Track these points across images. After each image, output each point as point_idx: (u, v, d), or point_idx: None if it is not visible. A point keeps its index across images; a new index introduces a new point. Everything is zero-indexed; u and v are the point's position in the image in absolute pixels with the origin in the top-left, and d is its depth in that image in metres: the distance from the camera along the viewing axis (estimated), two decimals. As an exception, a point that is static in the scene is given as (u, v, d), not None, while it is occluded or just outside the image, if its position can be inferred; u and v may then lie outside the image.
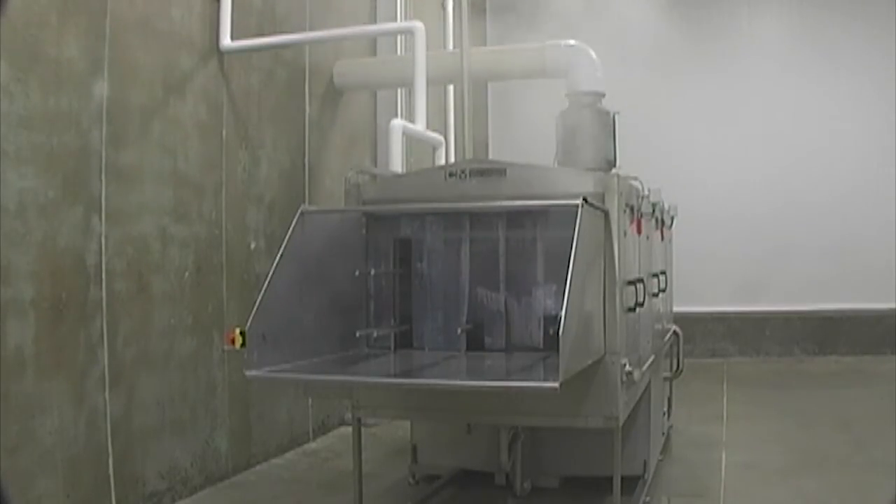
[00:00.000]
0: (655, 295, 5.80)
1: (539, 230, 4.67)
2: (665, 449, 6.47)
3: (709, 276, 11.15)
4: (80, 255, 4.77)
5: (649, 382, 5.48)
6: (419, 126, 6.66)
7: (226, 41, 6.10)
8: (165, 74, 5.55)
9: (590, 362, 4.18)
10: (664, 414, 6.50)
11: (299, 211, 4.44)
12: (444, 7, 9.18)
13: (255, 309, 4.04)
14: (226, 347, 5.48)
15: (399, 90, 8.48)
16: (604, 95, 6.77)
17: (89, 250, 4.84)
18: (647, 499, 5.29)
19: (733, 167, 11.64)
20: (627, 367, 4.50)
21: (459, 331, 4.68)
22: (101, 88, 4.94)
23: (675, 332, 6.81)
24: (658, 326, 6.08)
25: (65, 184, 4.66)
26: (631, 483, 5.24)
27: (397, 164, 6.55)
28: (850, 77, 11.44)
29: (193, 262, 5.79)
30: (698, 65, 11.85)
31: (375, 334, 4.74)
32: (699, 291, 10.59)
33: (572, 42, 7.30)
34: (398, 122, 6.81)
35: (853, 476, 5.81)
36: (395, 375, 4.60)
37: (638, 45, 11.68)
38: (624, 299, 4.56)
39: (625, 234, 4.64)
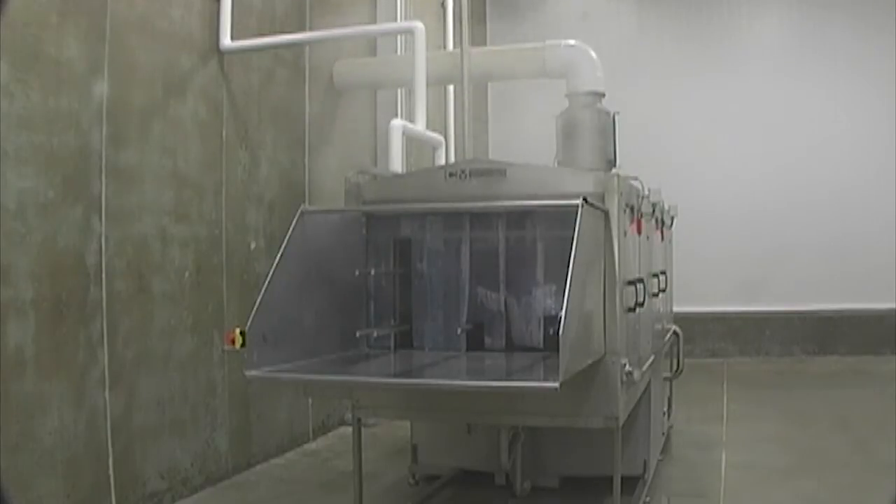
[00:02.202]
0: (655, 295, 5.80)
1: (539, 230, 4.67)
2: (665, 449, 6.46)
3: (709, 276, 11.14)
4: (80, 255, 4.77)
5: (649, 382, 5.48)
6: (419, 126, 6.66)
7: (226, 41, 6.10)
8: (165, 74, 5.56)
9: (590, 362, 4.17)
10: (664, 414, 6.50)
11: (299, 211, 4.44)
12: (444, 7, 9.17)
13: (255, 309, 4.03)
14: (226, 347, 5.47)
15: (399, 90, 8.47)
16: (604, 95, 6.77)
17: (89, 250, 4.84)
18: (647, 499, 5.28)
19: (733, 167, 11.65)
20: (627, 367, 4.50)
21: (459, 331, 4.68)
22: (101, 88, 4.94)
23: (675, 332, 6.81)
24: (658, 326, 6.07)
25: (65, 184, 4.66)
26: (631, 483, 5.24)
27: (397, 164, 6.54)
28: (850, 77, 11.44)
29: (193, 262, 5.79)
30: (698, 65, 11.85)
31: (375, 334, 4.74)
32: (699, 291, 10.57)
33: (572, 42, 7.30)
34: (398, 122, 6.80)
35: (853, 476, 5.81)
36: (396, 375, 4.60)
37: (638, 45, 11.73)
38: (624, 299, 4.56)
39: (625, 234, 4.63)
